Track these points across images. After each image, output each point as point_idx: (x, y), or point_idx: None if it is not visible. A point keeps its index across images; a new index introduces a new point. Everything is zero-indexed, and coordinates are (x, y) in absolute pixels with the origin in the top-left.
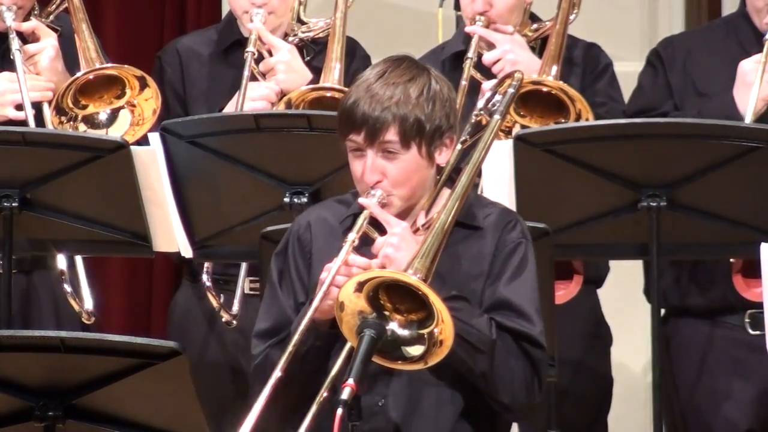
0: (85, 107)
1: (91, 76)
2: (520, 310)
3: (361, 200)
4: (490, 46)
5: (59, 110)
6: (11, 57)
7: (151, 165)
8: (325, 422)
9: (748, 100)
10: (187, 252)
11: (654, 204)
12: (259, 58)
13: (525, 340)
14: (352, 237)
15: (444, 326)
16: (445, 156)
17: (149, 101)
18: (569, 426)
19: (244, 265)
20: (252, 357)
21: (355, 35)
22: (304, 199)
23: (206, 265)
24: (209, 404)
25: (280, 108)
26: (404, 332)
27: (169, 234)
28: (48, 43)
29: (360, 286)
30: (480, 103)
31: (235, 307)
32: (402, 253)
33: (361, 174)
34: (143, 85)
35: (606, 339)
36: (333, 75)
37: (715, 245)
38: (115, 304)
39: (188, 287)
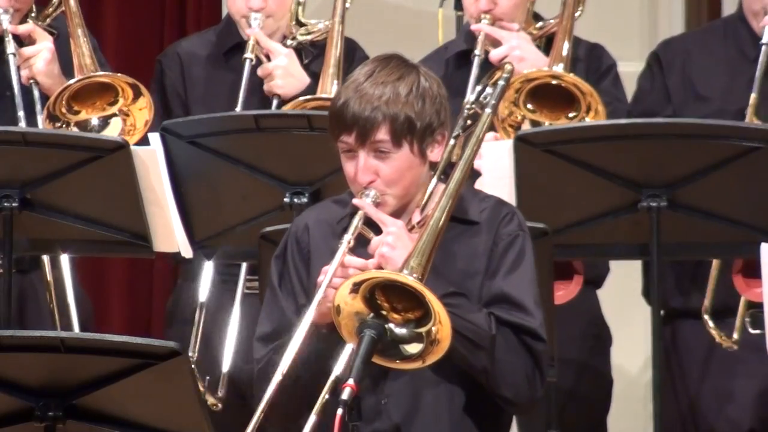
0: (77, 113)
1: (84, 83)
2: (519, 304)
3: (354, 201)
4: (496, 44)
5: (52, 116)
6: (6, 59)
7: (151, 165)
8: (328, 423)
9: None
10: (187, 252)
11: (654, 204)
12: (258, 62)
13: (525, 334)
14: (348, 238)
15: (441, 326)
16: (437, 152)
17: (143, 111)
18: (569, 426)
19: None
20: (254, 361)
21: (355, 35)
22: (305, 200)
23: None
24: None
25: None
26: (402, 331)
27: (169, 234)
28: (44, 46)
29: (356, 288)
30: (471, 97)
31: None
32: (398, 252)
33: (354, 174)
34: (137, 94)
35: (606, 339)
36: (330, 84)
37: (715, 245)
38: (115, 304)
39: (187, 287)
